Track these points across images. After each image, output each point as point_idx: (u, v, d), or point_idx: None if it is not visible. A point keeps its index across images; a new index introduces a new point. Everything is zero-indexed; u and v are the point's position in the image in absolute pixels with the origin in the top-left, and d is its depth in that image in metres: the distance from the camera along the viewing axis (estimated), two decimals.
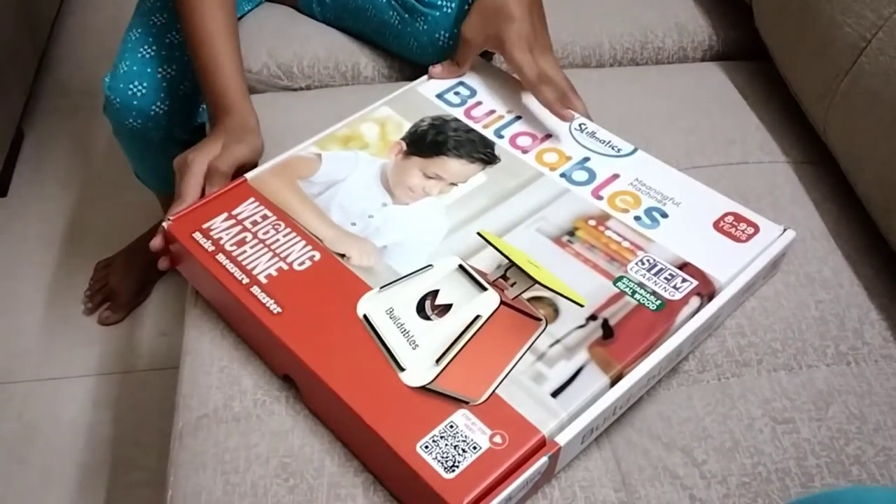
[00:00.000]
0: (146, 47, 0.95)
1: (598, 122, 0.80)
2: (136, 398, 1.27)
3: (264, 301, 0.64)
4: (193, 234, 0.69)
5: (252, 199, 0.72)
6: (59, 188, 1.56)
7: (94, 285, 1.37)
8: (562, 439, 0.57)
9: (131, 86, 0.95)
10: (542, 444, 0.56)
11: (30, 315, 1.36)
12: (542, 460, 0.56)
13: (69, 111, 1.71)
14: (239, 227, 0.69)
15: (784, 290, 0.72)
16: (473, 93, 0.83)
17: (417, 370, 0.60)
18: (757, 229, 0.70)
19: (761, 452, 0.62)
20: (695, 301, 0.64)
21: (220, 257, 0.67)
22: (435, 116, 0.80)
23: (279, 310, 0.63)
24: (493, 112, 0.81)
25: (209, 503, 0.60)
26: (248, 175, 0.74)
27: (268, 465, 0.61)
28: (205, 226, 0.70)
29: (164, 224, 0.70)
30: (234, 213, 0.71)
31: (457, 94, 0.83)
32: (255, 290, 0.65)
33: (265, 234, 0.69)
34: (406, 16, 0.93)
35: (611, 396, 0.59)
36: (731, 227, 0.70)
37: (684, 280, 0.65)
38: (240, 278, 0.66)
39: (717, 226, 0.70)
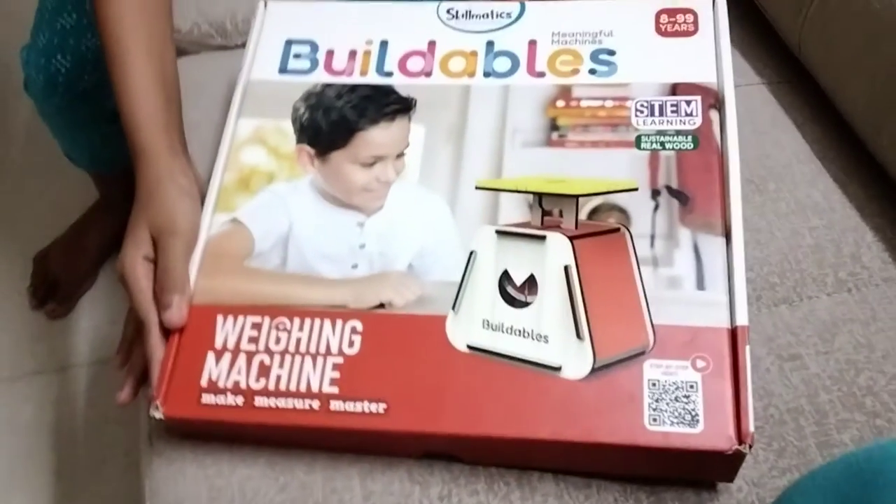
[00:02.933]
0: (65, 16, 0.86)
1: None
2: (96, 392, 1.20)
3: (357, 409, 0.52)
4: (202, 401, 0.54)
5: (221, 317, 0.56)
6: None
7: (35, 279, 1.28)
8: (741, 319, 0.52)
9: (54, 60, 0.86)
10: (734, 336, 0.52)
11: None
12: (746, 347, 0.52)
13: None
14: (243, 357, 0.55)
15: (776, 220, 0.69)
16: (314, 45, 0.67)
17: (571, 358, 0.52)
18: (693, 12, 0.64)
19: (771, 393, 0.60)
20: (713, 115, 0.59)
21: (260, 401, 0.53)
22: (303, 96, 0.64)
23: (382, 407, 0.53)
24: (353, 53, 0.66)
25: None
26: (194, 298, 0.57)
27: (255, 464, 0.56)
28: (204, 382, 0.54)
29: (155, 413, 0.54)
30: (218, 346, 0.55)
31: (297, 56, 0.67)
32: (336, 405, 0.53)
33: (277, 343, 0.55)
34: None
35: (738, 249, 0.54)
36: (673, 25, 0.64)
37: (688, 102, 0.60)
38: (306, 406, 0.53)
39: (660, 32, 0.64)
